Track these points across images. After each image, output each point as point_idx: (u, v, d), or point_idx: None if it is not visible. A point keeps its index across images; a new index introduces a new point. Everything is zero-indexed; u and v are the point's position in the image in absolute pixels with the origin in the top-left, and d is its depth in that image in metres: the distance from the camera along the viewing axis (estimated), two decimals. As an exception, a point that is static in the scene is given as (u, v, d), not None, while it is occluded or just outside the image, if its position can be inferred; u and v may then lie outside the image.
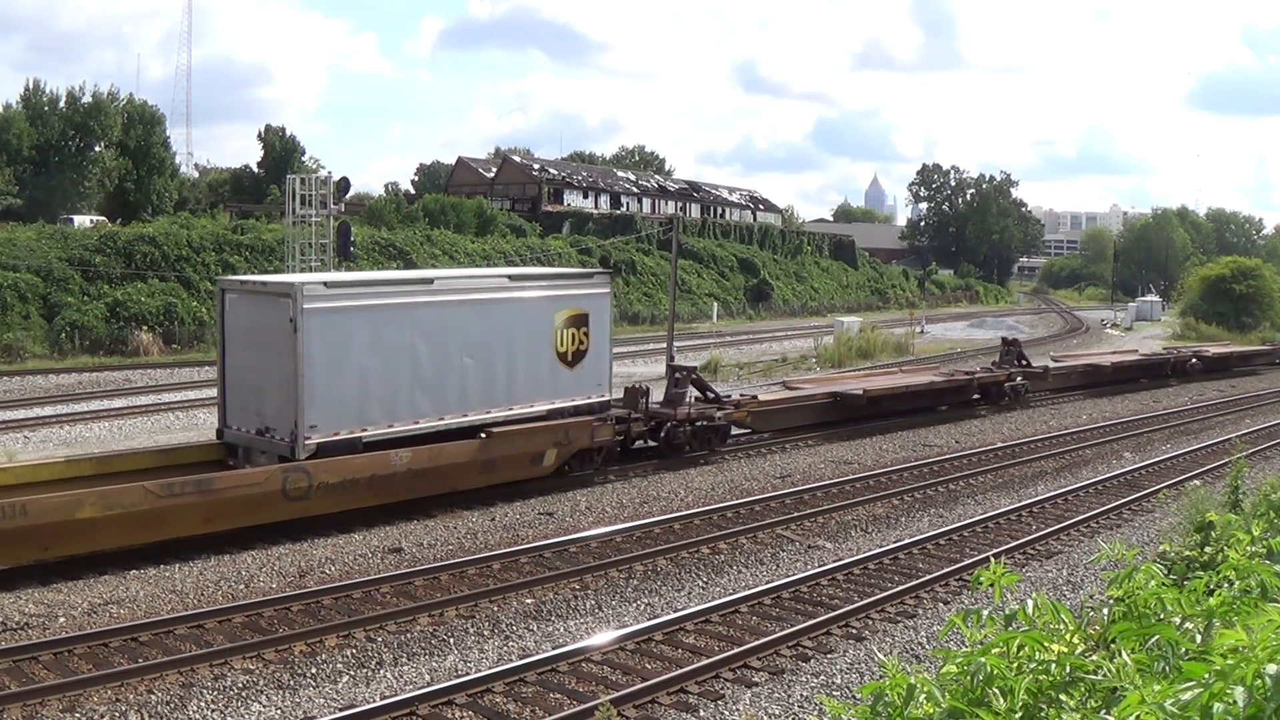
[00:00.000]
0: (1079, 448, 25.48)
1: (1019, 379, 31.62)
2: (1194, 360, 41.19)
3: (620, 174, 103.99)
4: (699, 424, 22.02)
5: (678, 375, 22.72)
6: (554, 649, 11.69)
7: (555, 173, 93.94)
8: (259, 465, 16.24)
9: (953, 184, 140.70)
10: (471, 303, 18.40)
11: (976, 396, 30.89)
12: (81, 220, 57.10)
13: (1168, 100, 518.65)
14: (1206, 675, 2.49)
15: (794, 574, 14.71)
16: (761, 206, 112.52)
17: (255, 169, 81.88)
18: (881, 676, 3.20)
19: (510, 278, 20.05)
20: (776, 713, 10.35)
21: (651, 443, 21.76)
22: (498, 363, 18.56)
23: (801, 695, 10.74)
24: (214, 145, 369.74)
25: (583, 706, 9.92)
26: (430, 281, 18.72)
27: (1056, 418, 30.18)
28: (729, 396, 24.21)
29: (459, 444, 17.75)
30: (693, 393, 22.80)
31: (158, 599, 13.16)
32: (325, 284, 17.05)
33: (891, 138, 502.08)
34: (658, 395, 22.50)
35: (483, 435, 18.01)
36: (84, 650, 11.34)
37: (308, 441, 16.03)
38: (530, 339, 19.08)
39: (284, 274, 33.81)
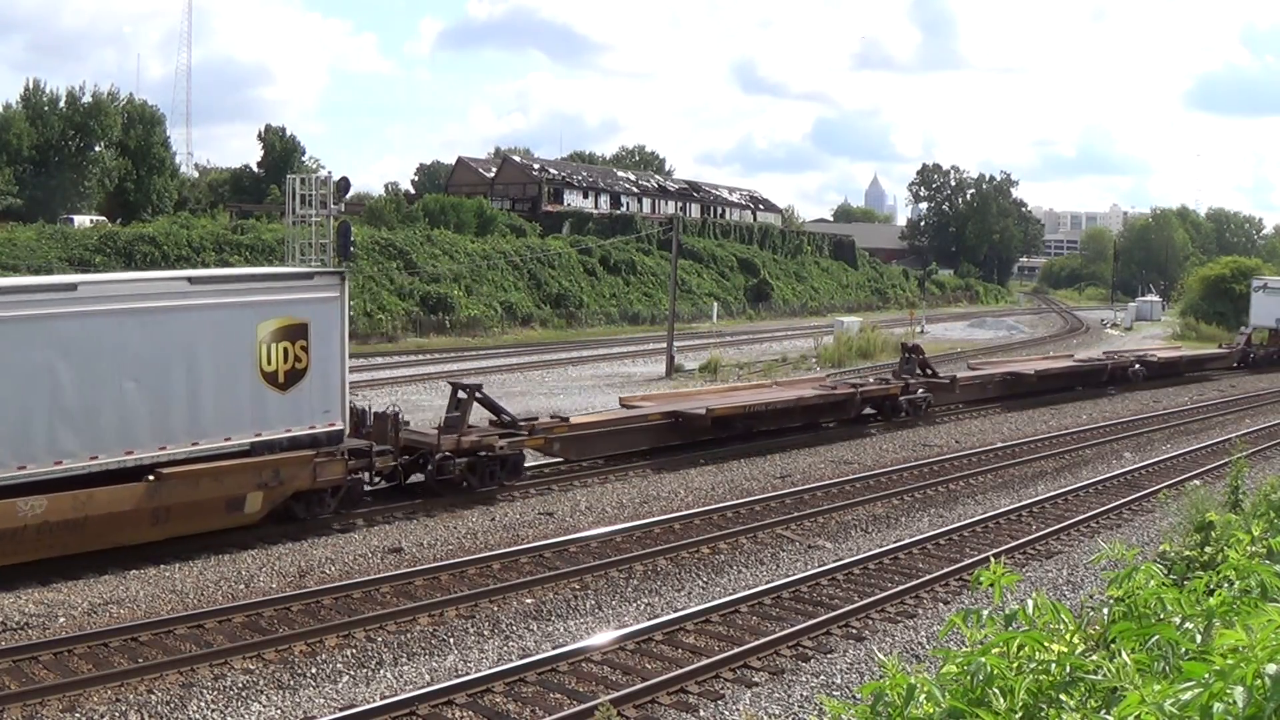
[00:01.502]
0: (1079, 448, 25.48)
1: (919, 391, 28.08)
2: (1137, 366, 37.87)
3: (620, 174, 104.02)
4: (481, 454, 18.24)
5: (460, 395, 18.77)
6: (554, 649, 11.69)
7: (555, 173, 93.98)
8: None
9: (953, 184, 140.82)
10: (134, 313, 14.85)
11: (871, 411, 27.53)
12: (81, 220, 57.21)
13: (1166, 100, 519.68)
14: (1206, 675, 2.49)
15: (794, 574, 14.71)
16: (761, 206, 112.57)
17: (255, 169, 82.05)
18: (881, 676, 3.20)
19: (191, 280, 16.39)
20: (776, 713, 10.35)
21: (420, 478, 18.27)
22: (174, 387, 15.04)
23: (801, 695, 10.74)
24: (214, 145, 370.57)
25: (583, 706, 9.92)
26: (73, 287, 14.99)
27: (1056, 418, 30.18)
28: (535, 419, 20.91)
29: (116, 489, 14.34)
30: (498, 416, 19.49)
31: (158, 599, 13.17)
32: None
33: (891, 138, 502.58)
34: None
35: (150, 478, 14.60)
36: (84, 650, 11.35)
37: None
38: (222, 357, 15.55)
39: None
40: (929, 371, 29.72)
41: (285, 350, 16.13)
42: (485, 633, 12.37)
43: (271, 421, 16.03)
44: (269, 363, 16.00)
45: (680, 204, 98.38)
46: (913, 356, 29.53)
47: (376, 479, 17.73)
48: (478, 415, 19.42)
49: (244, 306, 16.05)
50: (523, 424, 19.68)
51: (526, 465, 19.63)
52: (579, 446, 21.11)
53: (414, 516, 17.27)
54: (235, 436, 15.69)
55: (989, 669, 3.04)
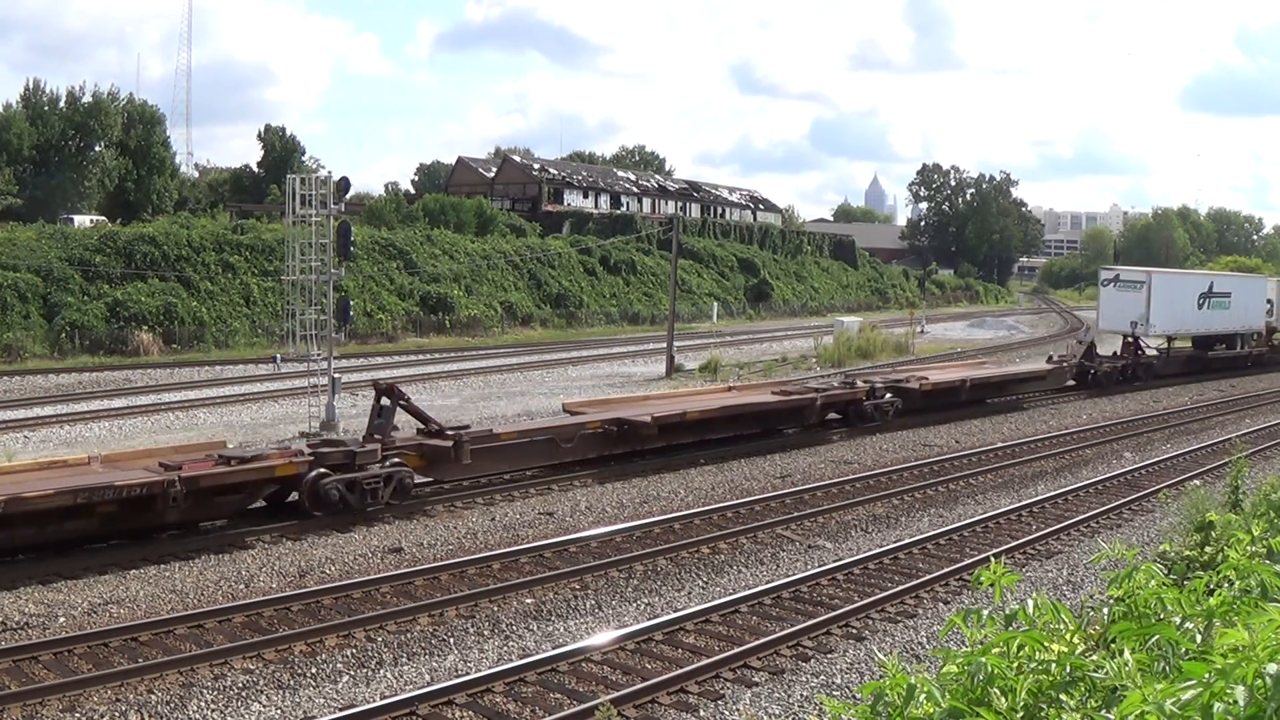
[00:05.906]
0: (1079, 448, 25.47)
1: (391, 462, 17.12)
2: (886, 395, 26.18)
3: (620, 174, 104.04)
4: None
5: None
6: (554, 649, 11.68)
7: (555, 172, 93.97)
8: None
9: (953, 184, 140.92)
10: None
11: (266, 504, 16.48)
12: (81, 220, 57.23)
13: (1162, 101, 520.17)
14: (1207, 675, 2.49)
15: (794, 574, 14.69)
16: (761, 206, 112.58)
17: (255, 169, 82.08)
18: (881, 676, 3.19)
19: None
20: (776, 713, 10.34)
21: None
22: None
23: (801, 695, 10.73)
24: (214, 145, 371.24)
25: (583, 706, 9.91)
26: None
27: (1056, 418, 30.17)
28: None
29: None
30: None
31: (158, 599, 13.16)
32: None
33: (889, 138, 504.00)
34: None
35: None
36: (84, 650, 11.33)
37: None
38: None
39: None
40: (431, 427, 18.46)
41: None
42: (485, 633, 12.37)
43: None
44: None
45: (680, 204, 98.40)
46: (391, 406, 17.97)
47: None
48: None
49: None
50: None
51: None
52: None
53: (414, 516, 17.26)
54: None
55: (989, 669, 3.04)
